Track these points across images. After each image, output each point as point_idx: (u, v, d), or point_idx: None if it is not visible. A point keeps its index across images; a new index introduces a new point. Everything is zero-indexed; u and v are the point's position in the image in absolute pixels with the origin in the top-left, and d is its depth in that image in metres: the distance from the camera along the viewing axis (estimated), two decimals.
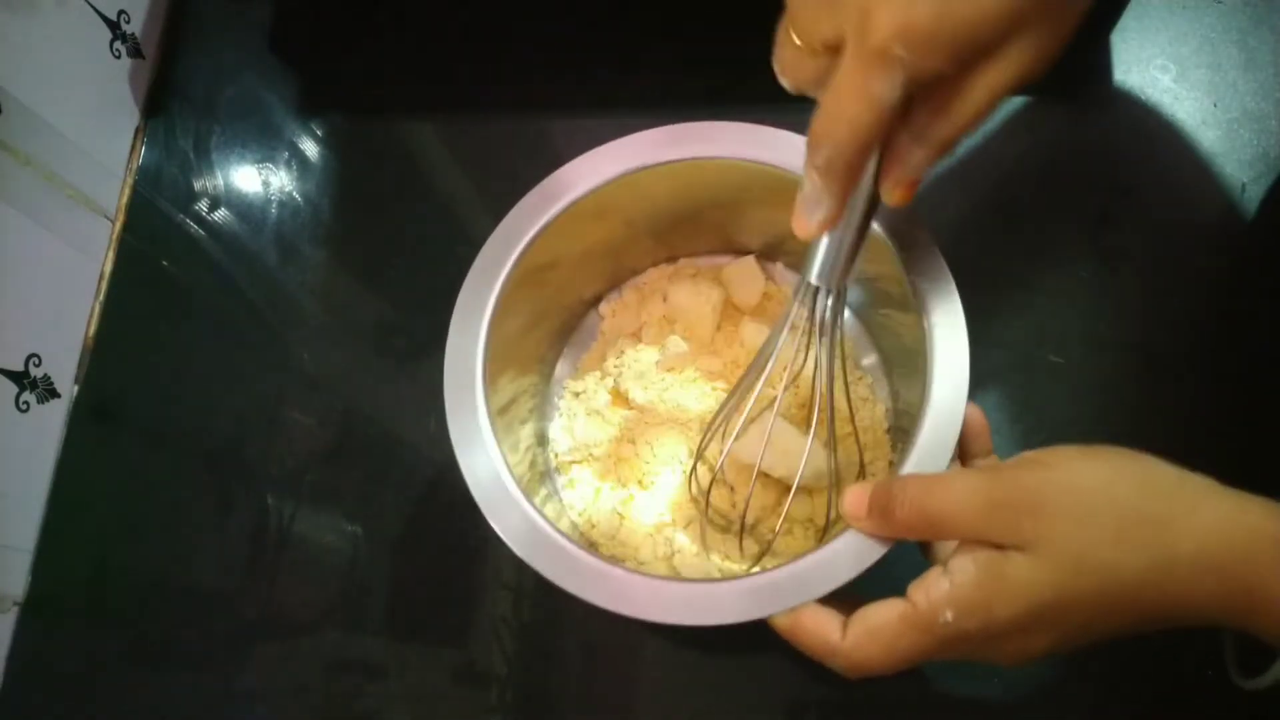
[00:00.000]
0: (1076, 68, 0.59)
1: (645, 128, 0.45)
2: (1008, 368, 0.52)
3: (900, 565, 0.35)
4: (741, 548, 0.45)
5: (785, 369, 0.41)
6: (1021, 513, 0.32)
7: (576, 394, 0.50)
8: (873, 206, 0.35)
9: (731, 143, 0.44)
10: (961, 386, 0.39)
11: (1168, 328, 0.52)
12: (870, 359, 0.50)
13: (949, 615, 0.32)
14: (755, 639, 0.47)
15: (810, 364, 0.41)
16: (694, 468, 0.45)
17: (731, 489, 0.46)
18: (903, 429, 0.47)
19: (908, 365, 0.44)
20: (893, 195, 0.34)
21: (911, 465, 0.38)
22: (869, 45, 0.29)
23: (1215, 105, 0.57)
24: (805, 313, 0.38)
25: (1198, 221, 0.54)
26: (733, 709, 0.47)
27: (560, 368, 0.52)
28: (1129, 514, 0.31)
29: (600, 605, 0.37)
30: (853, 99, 0.30)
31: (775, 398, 0.41)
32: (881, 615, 0.34)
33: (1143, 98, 0.57)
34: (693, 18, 0.61)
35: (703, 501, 0.45)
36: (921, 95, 0.31)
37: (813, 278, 0.37)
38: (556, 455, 0.50)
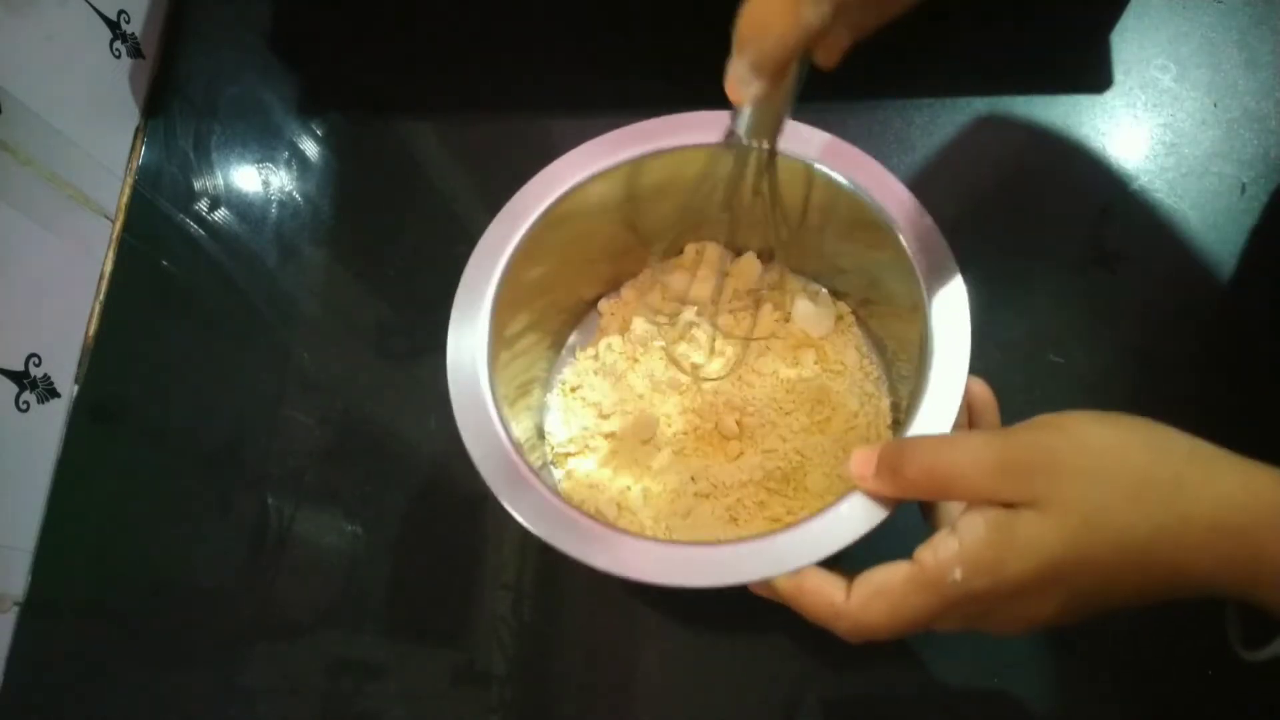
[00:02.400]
0: (1076, 68, 0.59)
1: None
2: (1008, 368, 0.52)
3: (900, 550, 0.35)
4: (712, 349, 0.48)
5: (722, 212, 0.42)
6: (1034, 472, 0.31)
7: (573, 389, 0.51)
8: (804, 70, 0.35)
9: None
10: (963, 353, 0.39)
11: (1168, 328, 0.52)
12: (870, 356, 0.51)
13: (958, 574, 0.31)
14: (755, 637, 0.48)
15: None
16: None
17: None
18: (900, 423, 0.47)
19: (906, 352, 0.44)
20: (824, 63, 0.35)
21: (914, 431, 0.38)
22: None
23: (1215, 105, 0.57)
24: (738, 169, 0.39)
25: (1198, 221, 0.54)
26: (733, 709, 0.47)
27: (560, 365, 0.52)
28: (1142, 476, 0.31)
29: (601, 568, 0.37)
30: (781, 15, 0.31)
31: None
32: (888, 576, 0.33)
33: (1143, 98, 0.57)
34: (694, 17, 0.61)
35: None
36: None
37: (744, 134, 0.37)
38: (553, 448, 0.50)
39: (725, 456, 0.48)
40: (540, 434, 0.50)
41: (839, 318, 0.51)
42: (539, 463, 0.48)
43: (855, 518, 0.36)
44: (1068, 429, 0.32)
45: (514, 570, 0.50)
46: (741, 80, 0.34)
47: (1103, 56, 0.58)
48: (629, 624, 0.49)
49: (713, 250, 0.51)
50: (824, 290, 0.52)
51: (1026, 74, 0.58)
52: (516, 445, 0.40)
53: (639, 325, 0.50)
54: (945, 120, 0.57)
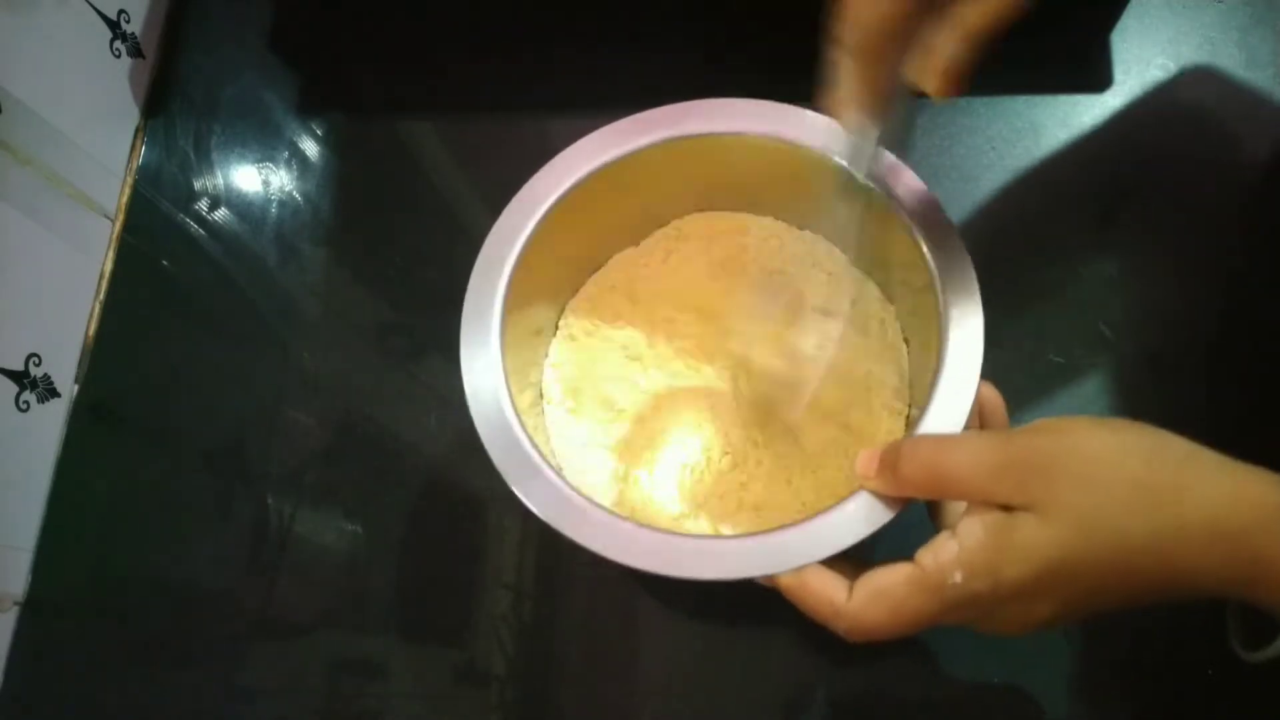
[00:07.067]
0: (1077, 68, 0.59)
1: None
2: (1008, 368, 0.51)
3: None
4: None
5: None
6: (1031, 474, 0.32)
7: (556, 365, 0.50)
8: (908, 96, 0.37)
9: (741, 118, 0.45)
10: (975, 357, 0.39)
11: (1168, 327, 0.52)
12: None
13: (958, 577, 0.32)
14: (760, 635, 0.48)
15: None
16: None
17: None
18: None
19: (919, 347, 0.44)
20: (931, 84, 0.35)
21: (924, 431, 0.38)
22: None
23: (1216, 105, 0.57)
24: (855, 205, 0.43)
25: (1198, 221, 0.54)
26: (736, 708, 0.47)
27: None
28: (1139, 481, 0.31)
29: (605, 555, 0.37)
30: None
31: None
32: (888, 577, 0.34)
33: (1143, 98, 0.57)
34: (696, 15, 0.61)
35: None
36: None
37: (863, 175, 0.41)
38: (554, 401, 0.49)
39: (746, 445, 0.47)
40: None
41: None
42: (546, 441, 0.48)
43: (861, 517, 0.36)
44: (1066, 433, 0.33)
45: (514, 570, 0.50)
46: (845, 86, 0.36)
47: (1103, 56, 0.58)
48: (631, 623, 0.49)
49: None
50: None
51: (1026, 74, 0.58)
52: (527, 431, 0.40)
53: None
54: (945, 120, 0.57)
